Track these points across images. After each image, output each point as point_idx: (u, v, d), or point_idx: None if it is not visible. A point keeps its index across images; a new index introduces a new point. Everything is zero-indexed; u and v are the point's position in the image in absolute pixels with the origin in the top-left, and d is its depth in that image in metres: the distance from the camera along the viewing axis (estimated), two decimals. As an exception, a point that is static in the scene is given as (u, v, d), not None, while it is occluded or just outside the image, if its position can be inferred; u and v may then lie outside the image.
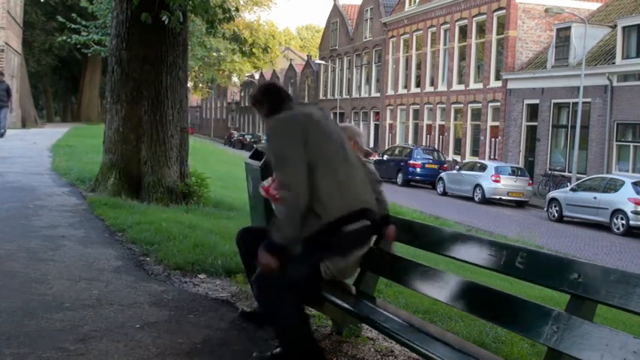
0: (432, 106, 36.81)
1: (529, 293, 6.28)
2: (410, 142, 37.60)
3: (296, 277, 3.28)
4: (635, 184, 18.95)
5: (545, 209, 22.01)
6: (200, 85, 47.49)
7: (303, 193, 3.25)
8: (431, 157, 30.74)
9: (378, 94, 43.57)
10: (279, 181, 3.37)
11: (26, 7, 39.83)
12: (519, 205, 24.96)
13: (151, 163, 8.97)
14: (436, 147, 34.91)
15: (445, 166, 30.30)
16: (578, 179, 22.93)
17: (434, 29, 36.87)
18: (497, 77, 31.31)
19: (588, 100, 25.01)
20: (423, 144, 35.71)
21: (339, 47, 50.73)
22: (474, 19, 33.10)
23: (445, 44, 35.85)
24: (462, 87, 34.16)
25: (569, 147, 26.54)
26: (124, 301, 4.47)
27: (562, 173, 26.70)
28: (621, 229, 18.60)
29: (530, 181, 25.67)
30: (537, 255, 2.93)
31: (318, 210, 3.28)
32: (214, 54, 36.51)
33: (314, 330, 4.14)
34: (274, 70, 65.99)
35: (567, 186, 22.78)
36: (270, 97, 3.59)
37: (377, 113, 43.94)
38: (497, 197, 24.64)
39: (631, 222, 18.32)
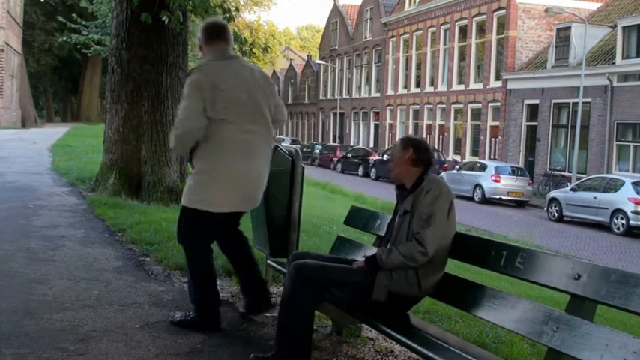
0: (432, 106, 36.82)
1: (529, 293, 6.28)
2: (410, 142, 37.59)
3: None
4: (635, 184, 18.95)
5: (545, 209, 22.01)
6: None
7: None
8: (431, 157, 30.73)
9: (378, 94, 43.57)
10: None
11: (26, 7, 39.86)
12: (519, 205, 24.96)
13: (150, 163, 8.96)
14: (436, 147, 34.90)
15: (445, 166, 30.30)
16: (578, 179, 22.93)
17: (434, 29, 36.88)
18: (498, 77, 31.31)
19: (588, 100, 25.01)
20: (423, 144, 35.68)
21: (339, 47, 50.73)
22: (474, 19, 33.10)
23: (445, 44, 35.85)
24: (462, 87, 34.16)
25: (569, 147, 26.54)
26: (124, 301, 4.47)
27: (562, 173, 26.70)
28: (621, 229, 18.60)
29: (530, 181, 25.67)
30: (537, 255, 2.93)
31: None
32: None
33: (314, 330, 4.14)
34: (274, 70, 66.02)
35: (567, 186, 22.78)
36: None
37: (377, 113, 43.95)
38: (497, 197, 24.64)
39: (631, 222, 18.32)
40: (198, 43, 4.28)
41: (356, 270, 3.43)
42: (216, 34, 3.99)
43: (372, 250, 4.04)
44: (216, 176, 3.85)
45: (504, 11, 30.67)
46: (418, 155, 3.50)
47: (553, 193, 22.24)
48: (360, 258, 4.00)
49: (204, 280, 4.00)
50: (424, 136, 37.30)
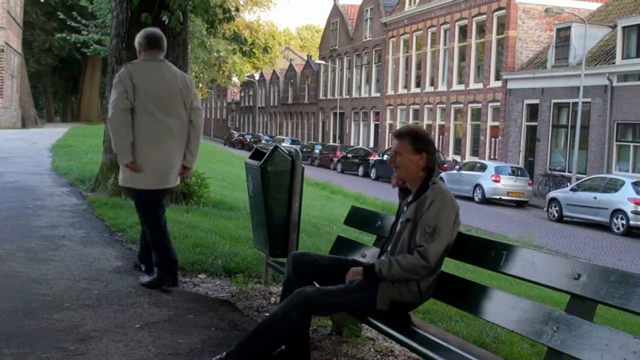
0: (432, 106, 36.81)
1: (529, 293, 6.29)
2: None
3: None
4: (635, 184, 18.95)
5: (545, 209, 22.01)
6: (200, 85, 47.50)
7: None
8: (431, 157, 30.76)
9: (378, 94, 43.57)
10: None
11: (26, 7, 39.88)
12: (519, 205, 24.96)
13: (151, 163, 8.94)
14: (436, 147, 34.87)
15: (445, 166, 30.31)
16: (578, 179, 22.93)
17: (434, 29, 36.88)
18: (497, 77, 31.31)
19: (588, 100, 25.01)
20: (423, 144, 35.70)
21: (339, 47, 50.73)
22: (474, 19, 33.10)
23: (445, 44, 35.85)
24: (462, 87, 34.16)
25: (569, 147, 26.54)
26: (123, 301, 4.47)
27: (562, 173, 26.70)
28: (621, 229, 18.60)
29: (530, 181, 25.67)
30: (537, 255, 2.93)
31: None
32: (214, 54, 36.55)
33: (314, 330, 4.14)
34: (274, 70, 66.01)
35: (567, 186, 22.78)
36: None
37: (377, 113, 43.95)
38: (498, 197, 24.64)
39: (631, 222, 18.32)
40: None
41: (355, 287, 3.35)
42: (154, 43, 4.86)
43: (372, 251, 4.04)
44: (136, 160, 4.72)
45: (504, 11, 30.67)
46: (428, 161, 3.43)
47: (553, 193, 22.24)
48: (360, 258, 4.00)
49: (161, 245, 4.84)
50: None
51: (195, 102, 4.91)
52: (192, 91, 4.91)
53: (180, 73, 4.94)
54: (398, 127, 40.88)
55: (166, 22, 7.95)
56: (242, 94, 78.06)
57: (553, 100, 27.76)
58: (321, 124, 54.56)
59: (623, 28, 24.42)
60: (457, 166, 29.47)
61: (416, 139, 3.43)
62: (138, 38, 4.94)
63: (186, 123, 4.86)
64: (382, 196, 21.21)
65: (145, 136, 4.68)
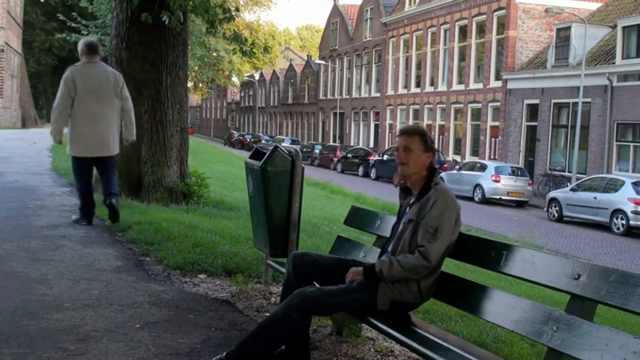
0: (432, 106, 36.81)
1: (529, 293, 6.29)
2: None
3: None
4: (635, 184, 18.95)
5: (545, 209, 22.01)
6: (200, 85, 47.49)
7: None
8: (431, 157, 30.76)
9: (378, 94, 43.57)
10: None
11: (26, 7, 39.89)
12: (519, 205, 24.96)
13: (150, 163, 8.95)
14: (436, 147, 34.81)
15: (445, 166, 30.31)
16: (578, 179, 22.94)
17: (434, 29, 36.88)
18: (498, 77, 31.31)
19: (588, 100, 25.01)
20: (423, 144, 35.69)
21: (339, 47, 50.73)
22: (474, 19, 33.10)
23: (445, 44, 35.85)
24: (462, 87, 34.16)
25: (569, 147, 26.54)
26: (124, 301, 4.47)
27: (562, 173, 26.70)
28: (621, 229, 18.60)
29: (530, 181, 25.68)
30: (537, 255, 2.93)
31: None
32: (214, 54, 36.53)
33: (314, 330, 4.14)
34: (274, 70, 66.02)
35: (567, 186, 22.78)
36: None
37: (377, 113, 43.95)
38: (497, 197, 24.65)
39: (631, 222, 18.32)
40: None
41: (356, 287, 3.35)
42: (91, 49, 6.66)
43: (372, 251, 4.04)
44: (74, 135, 6.63)
45: (504, 11, 30.67)
46: (433, 161, 3.47)
47: (553, 193, 22.24)
48: (360, 258, 4.00)
49: (83, 196, 6.85)
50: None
51: (123, 91, 6.73)
52: (120, 83, 6.72)
53: (111, 70, 6.74)
54: (398, 127, 40.91)
55: (166, 22, 7.95)
56: (242, 94, 78.05)
57: (553, 100, 27.76)
58: (321, 124, 54.56)
59: (623, 28, 24.42)
60: (457, 166, 29.47)
61: (425, 138, 3.48)
62: (80, 45, 6.70)
63: (119, 108, 6.68)
64: (382, 196, 21.21)
65: (83, 118, 6.37)
